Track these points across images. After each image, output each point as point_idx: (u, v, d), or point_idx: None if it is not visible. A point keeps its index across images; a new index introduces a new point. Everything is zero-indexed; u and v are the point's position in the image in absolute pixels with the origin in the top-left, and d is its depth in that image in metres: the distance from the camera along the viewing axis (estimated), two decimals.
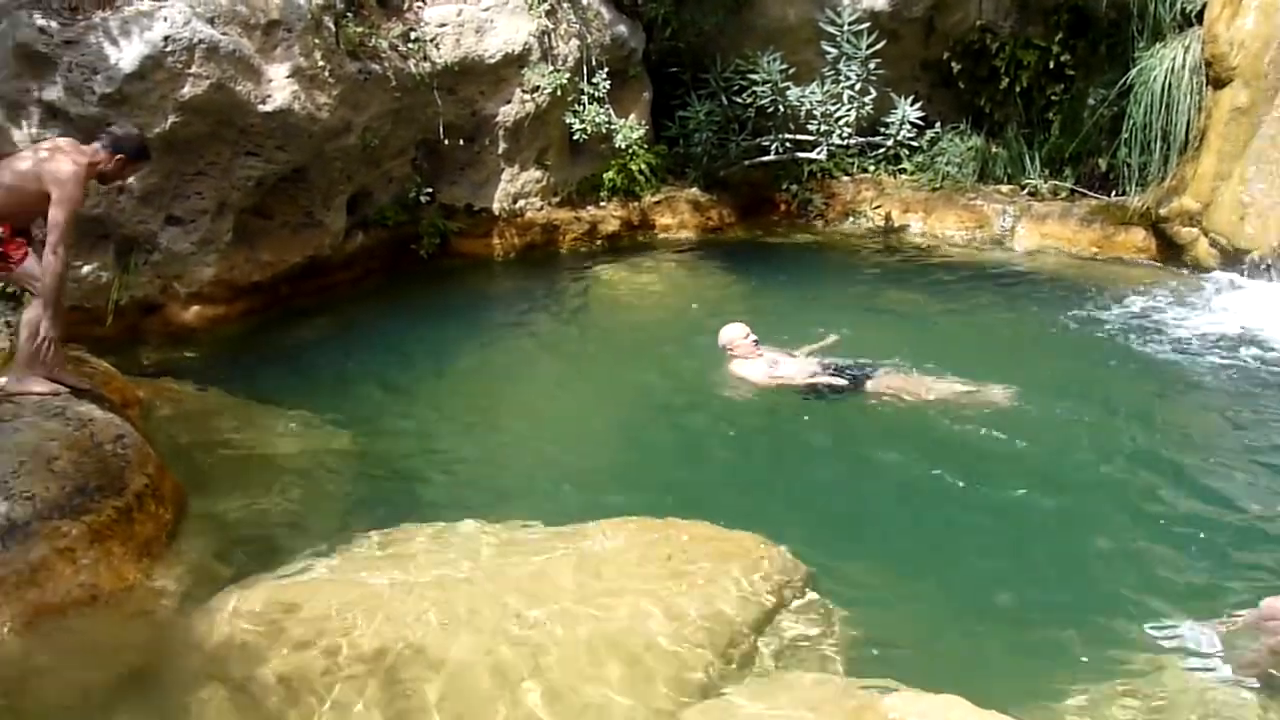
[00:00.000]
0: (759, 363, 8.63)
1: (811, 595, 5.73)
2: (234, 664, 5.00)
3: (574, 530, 6.14)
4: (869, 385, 8.34)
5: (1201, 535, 6.43)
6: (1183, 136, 11.38)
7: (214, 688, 4.92)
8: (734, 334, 8.73)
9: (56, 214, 6.30)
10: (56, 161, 6.35)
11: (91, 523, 5.70)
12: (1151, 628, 5.51)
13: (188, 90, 9.34)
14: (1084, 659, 5.35)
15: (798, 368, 8.63)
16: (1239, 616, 5.36)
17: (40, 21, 8.94)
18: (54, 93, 8.94)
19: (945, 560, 6.41)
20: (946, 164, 13.22)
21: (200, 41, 9.32)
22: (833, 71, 12.31)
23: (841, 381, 8.36)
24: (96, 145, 6.60)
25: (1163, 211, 11.26)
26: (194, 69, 9.32)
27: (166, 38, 9.19)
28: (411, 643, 5.06)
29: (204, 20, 9.39)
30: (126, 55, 9.06)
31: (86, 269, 9.39)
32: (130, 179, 6.48)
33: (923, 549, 6.53)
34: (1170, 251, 11.30)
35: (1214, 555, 6.26)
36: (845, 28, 12.10)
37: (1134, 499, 6.98)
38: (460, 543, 6.02)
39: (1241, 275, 10.58)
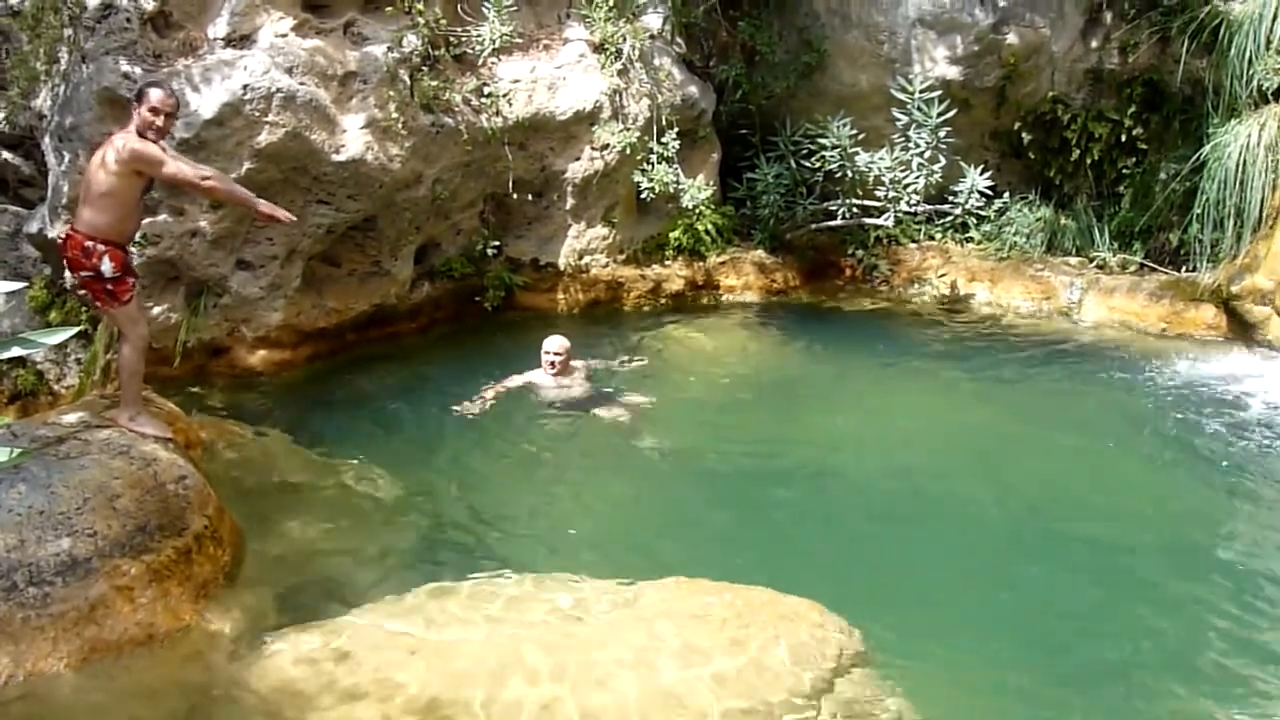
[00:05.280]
0: (560, 379, 9.54)
1: (867, 664, 5.66)
2: (286, 710, 5.01)
3: (628, 590, 6.12)
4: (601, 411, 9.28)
5: (1255, 625, 6.31)
6: (1256, 214, 11.21)
7: None
8: (559, 346, 9.52)
9: (168, 173, 6.58)
10: (127, 147, 6.48)
11: (151, 562, 5.75)
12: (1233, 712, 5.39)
13: (264, 138, 9.50)
14: None
15: (581, 391, 9.55)
16: None
17: (125, 67, 9.15)
18: None
19: (1007, 628, 6.32)
20: (1014, 234, 13.12)
21: (278, 91, 9.48)
22: (902, 138, 12.29)
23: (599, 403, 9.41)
24: (132, 124, 6.67)
25: (1234, 289, 11.10)
26: (271, 117, 9.49)
27: (245, 86, 9.36)
28: (462, 697, 5.05)
29: (282, 70, 9.57)
30: (206, 102, 9.24)
31: (157, 310, 9.54)
32: (164, 120, 6.58)
33: (979, 616, 6.44)
34: (1241, 330, 11.12)
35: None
36: (916, 95, 12.09)
37: (1196, 573, 6.89)
38: (513, 598, 6.01)
39: None
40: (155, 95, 6.58)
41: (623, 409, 9.31)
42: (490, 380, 9.49)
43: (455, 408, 9.14)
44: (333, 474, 7.87)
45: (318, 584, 6.40)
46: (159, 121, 6.58)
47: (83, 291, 7.01)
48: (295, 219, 7.42)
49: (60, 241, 7.54)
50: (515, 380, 9.50)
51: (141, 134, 6.54)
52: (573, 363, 9.67)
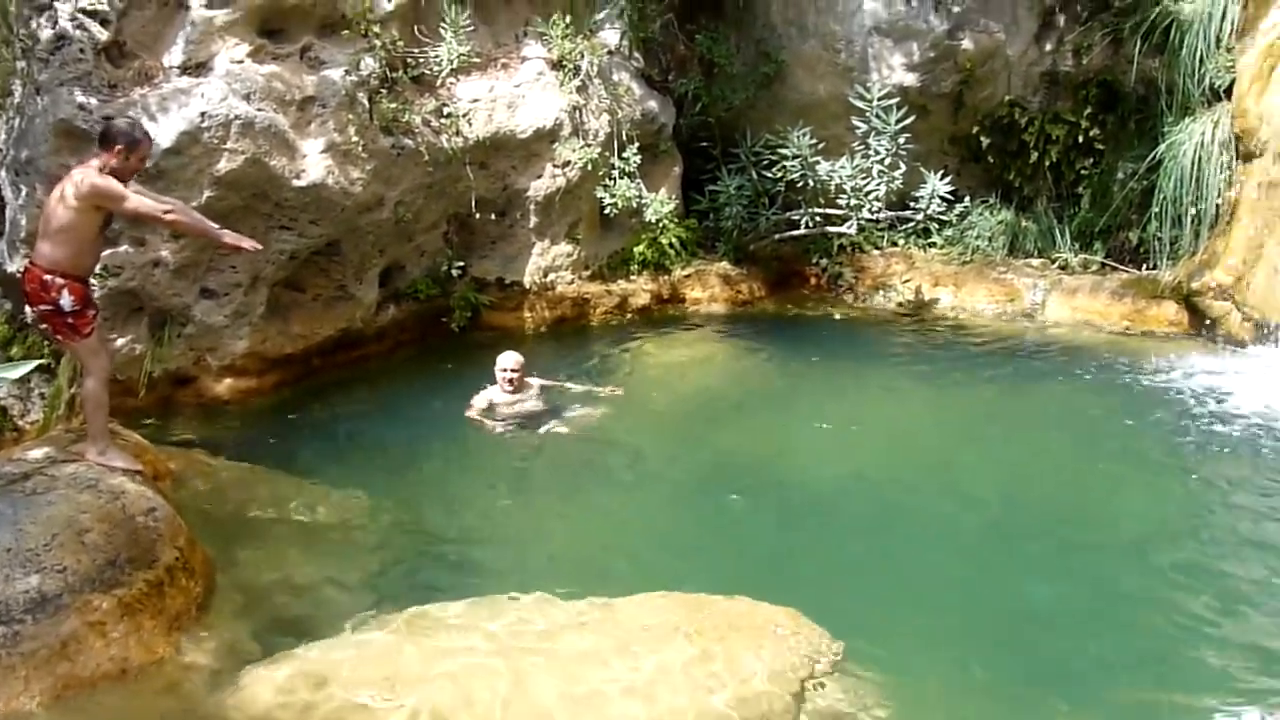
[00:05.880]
0: (517, 394, 9.54)
1: (845, 672, 5.67)
2: None
3: (605, 605, 6.12)
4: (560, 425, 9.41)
5: (1226, 621, 6.36)
6: (1213, 210, 11.37)
7: None
8: (514, 362, 9.50)
9: (130, 208, 6.57)
10: (84, 181, 6.44)
11: (122, 596, 5.71)
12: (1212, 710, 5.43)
13: (223, 165, 9.46)
14: None
15: (538, 405, 9.60)
16: None
17: (80, 98, 9.08)
18: None
19: (982, 634, 6.34)
20: (976, 238, 13.20)
21: (236, 117, 9.45)
22: (862, 146, 12.32)
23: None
24: (96, 160, 6.65)
25: (1194, 285, 11.20)
26: (230, 144, 9.45)
27: (203, 114, 9.33)
28: (441, 719, 5.03)
29: (240, 97, 9.53)
30: (164, 131, 9.18)
31: (121, 341, 9.46)
32: (139, 166, 6.66)
33: (955, 623, 6.46)
34: (1202, 325, 11.21)
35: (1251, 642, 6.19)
36: (875, 103, 12.12)
37: (1167, 571, 6.95)
38: (490, 618, 5.99)
39: (1276, 348, 10.42)
40: (147, 147, 6.77)
41: (581, 423, 9.33)
42: (462, 403, 9.49)
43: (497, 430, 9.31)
44: (303, 501, 7.82)
45: (292, 612, 6.36)
46: (135, 167, 6.64)
47: (43, 325, 6.96)
48: (260, 247, 7.43)
49: (19, 276, 7.51)
50: (479, 400, 9.49)
51: (114, 174, 6.51)
52: (527, 379, 9.68)
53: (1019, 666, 6.00)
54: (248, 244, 7.01)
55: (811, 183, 12.51)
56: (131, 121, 6.95)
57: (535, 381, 9.74)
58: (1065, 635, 6.28)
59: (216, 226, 7.02)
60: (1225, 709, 5.42)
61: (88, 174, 6.46)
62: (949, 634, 6.29)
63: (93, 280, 6.99)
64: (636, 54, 12.94)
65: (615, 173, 12.11)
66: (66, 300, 6.49)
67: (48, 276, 6.47)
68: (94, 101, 9.11)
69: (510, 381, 9.46)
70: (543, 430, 9.21)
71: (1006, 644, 6.25)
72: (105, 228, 6.83)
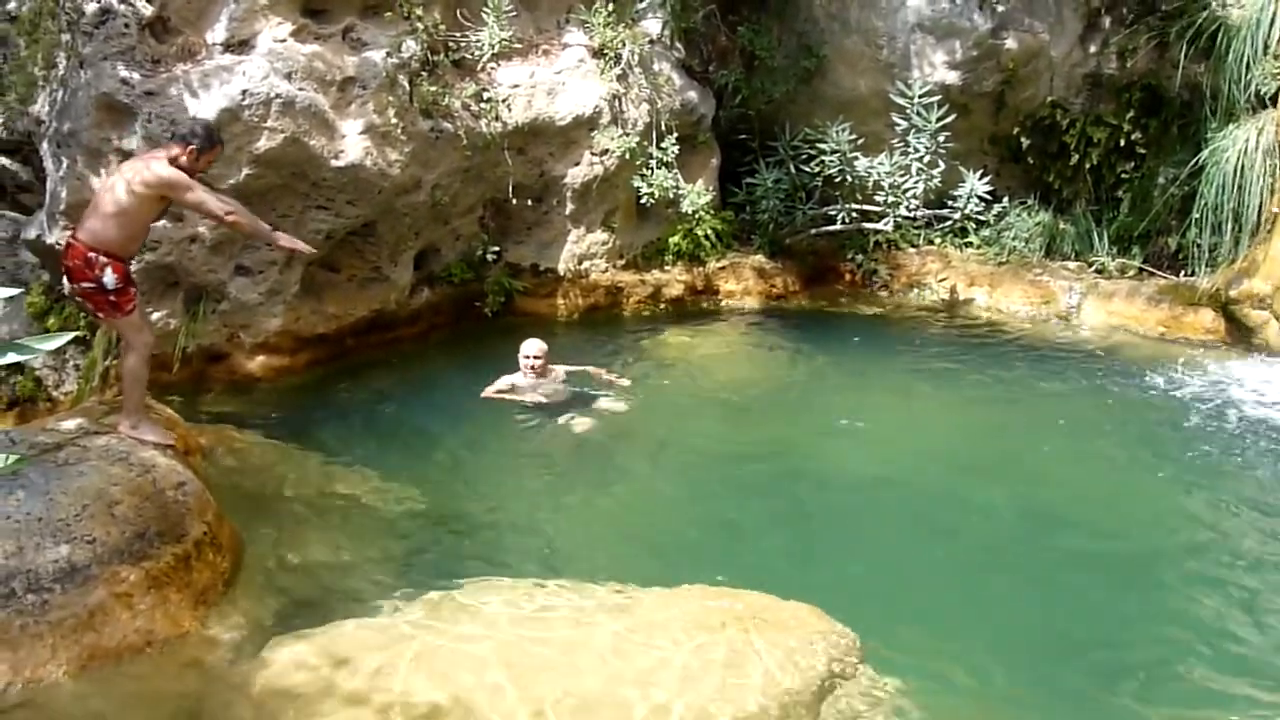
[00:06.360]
0: (539, 381, 9.61)
1: (867, 669, 5.65)
2: (285, 717, 4.99)
3: (629, 595, 6.11)
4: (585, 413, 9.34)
5: (1249, 633, 6.31)
6: (1254, 218, 11.24)
7: None
8: (537, 349, 9.59)
9: (193, 200, 6.70)
10: (153, 169, 6.57)
11: (150, 569, 5.73)
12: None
13: (263, 143, 9.50)
14: None
15: (561, 393, 9.59)
16: None
17: (124, 73, 9.14)
18: (133, 142, 9.12)
19: (1006, 634, 6.32)
20: (1013, 239, 13.13)
21: (277, 96, 9.48)
22: (901, 143, 12.27)
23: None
24: (164, 151, 6.77)
25: (1232, 293, 11.09)
26: (270, 123, 9.48)
27: (244, 91, 9.36)
28: (462, 702, 5.04)
29: (281, 75, 9.56)
30: (205, 107, 9.22)
31: (156, 316, 9.52)
32: (205, 169, 6.81)
33: (978, 622, 6.43)
34: (1239, 334, 11.12)
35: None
36: (915, 100, 12.06)
37: (1190, 580, 6.90)
38: (514, 602, 5.99)
39: None
40: (218, 153, 7.05)
41: (606, 412, 9.33)
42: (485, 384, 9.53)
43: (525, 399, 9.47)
44: (332, 480, 7.87)
45: (317, 590, 6.38)
46: (202, 168, 6.85)
47: (85, 303, 7.01)
48: (315, 251, 7.56)
49: (61, 250, 7.56)
50: (502, 382, 9.52)
51: (183, 168, 6.61)
52: (551, 366, 9.69)
53: (1037, 668, 5.97)
54: (302, 247, 7.18)
55: (849, 178, 12.46)
56: (208, 125, 7.06)
57: (559, 369, 9.76)
58: (1086, 638, 6.23)
59: (270, 228, 7.14)
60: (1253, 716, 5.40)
61: (156, 164, 6.56)
62: (970, 635, 6.26)
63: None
64: (678, 44, 12.92)
65: (653, 162, 12.08)
66: (110, 278, 6.54)
67: (92, 254, 6.52)
68: (136, 76, 9.16)
69: (533, 369, 9.50)
70: (566, 419, 9.20)
71: (1028, 644, 6.22)
72: (159, 216, 6.93)
